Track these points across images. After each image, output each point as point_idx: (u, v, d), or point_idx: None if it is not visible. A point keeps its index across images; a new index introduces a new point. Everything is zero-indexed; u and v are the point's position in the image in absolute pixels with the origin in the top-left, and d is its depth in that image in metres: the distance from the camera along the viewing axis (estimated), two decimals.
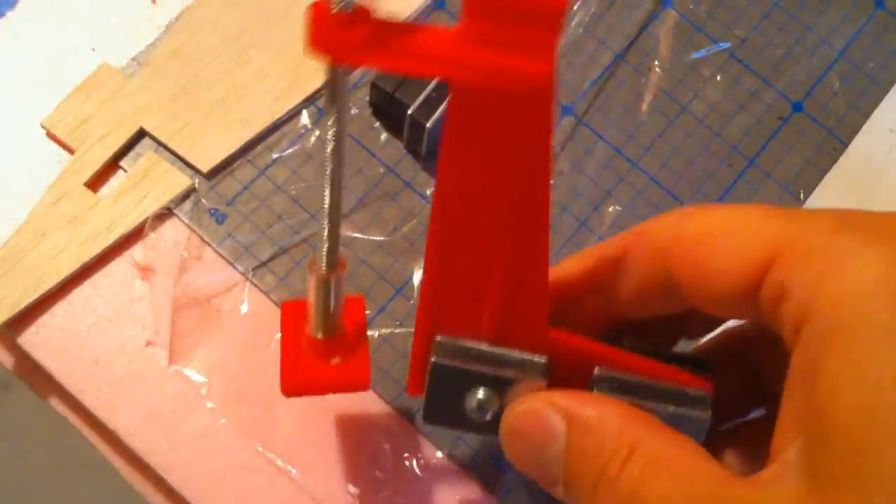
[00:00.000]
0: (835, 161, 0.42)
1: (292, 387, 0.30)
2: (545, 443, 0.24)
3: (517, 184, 0.24)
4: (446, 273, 0.25)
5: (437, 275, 0.26)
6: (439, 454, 0.36)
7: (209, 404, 0.35)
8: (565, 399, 0.24)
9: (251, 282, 0.37)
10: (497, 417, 0.26)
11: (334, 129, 0.26)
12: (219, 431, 0.35)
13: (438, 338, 0.26)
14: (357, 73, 0.41)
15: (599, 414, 0.24)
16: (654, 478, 0.22)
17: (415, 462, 0.35)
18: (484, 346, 0.26)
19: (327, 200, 0.27)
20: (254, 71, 0.40)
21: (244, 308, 0.37)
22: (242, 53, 0.40)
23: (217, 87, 0.40)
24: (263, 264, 0.37)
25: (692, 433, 0.24)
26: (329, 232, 0.27)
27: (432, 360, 0.26)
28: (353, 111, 0.40)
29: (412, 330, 0.36)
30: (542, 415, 0.24)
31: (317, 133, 0.39)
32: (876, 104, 0.43)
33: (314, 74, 0.40)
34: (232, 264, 0.37)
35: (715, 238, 0.24)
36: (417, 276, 0.38)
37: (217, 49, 0.40)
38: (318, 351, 0.30)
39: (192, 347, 0.36)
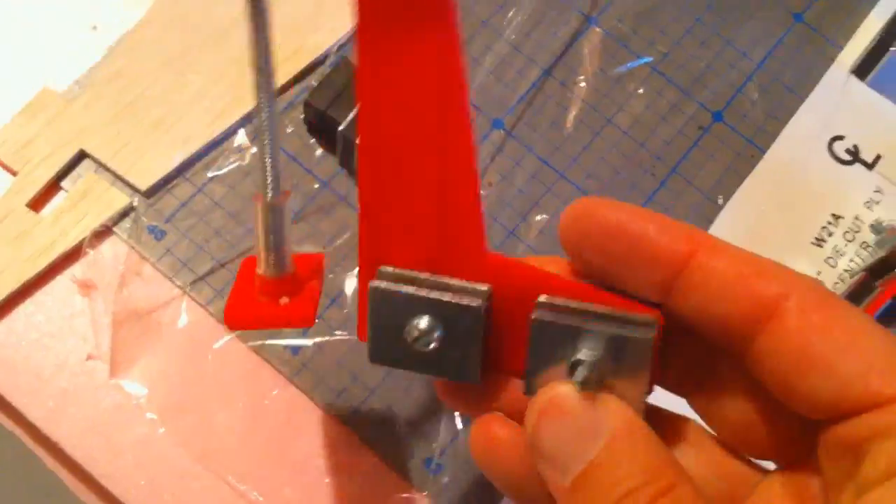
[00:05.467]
0: (753, 168, 0.44)
1: (235, 319, 0.30)
2: (581, 436, 0.23)
3: (434, 97, 0.25)
4: (380, 204, 0.26)
5: (372, 206, 0.26)
6: (375, 458, 0.37)
7: (149, 415, 0.37)
8: (618, 405, 0.23)
9: (189, 295, 0.38)
10: (441, 349, 0.25)
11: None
12: (158, 441, 0.36)
13: (381, 268, 0.26)
14: (292, 91, 0.42)
15: (650, 436, 0.23)
16: None
17: (351, 466, 0.37)
18: (424, 275, 0.25)
19: (264, 116, 0.29)
20: (192, 92, 0.42)
21: (183, 321, 0.38)
22: (181, 75, 0.42)
23: (156, 108, 0.41)
24: (201, 278, 0.39)
25: (637, 355, 0.24)
26: (271, 158, 0.29)
27: (370, 283, 0.25)
28: (289, 129, 0.42)
29: (347, 336, 0.38)
30: (592, 412, 0.23)
31: (253, 150, 0.41)
32: (793, 113, 0.45)
33: (248, 97, 0.42)
34: (170, 279, 0.38)
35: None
36: (350, 286, 0.39)
37: (157, 72, 0.42)
38: (266, 290, 0.30)
39: (132, 360, 0.37)
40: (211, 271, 0.39)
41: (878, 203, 0.44)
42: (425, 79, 0.25)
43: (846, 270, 0.42)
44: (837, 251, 0.43)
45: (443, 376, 0.26)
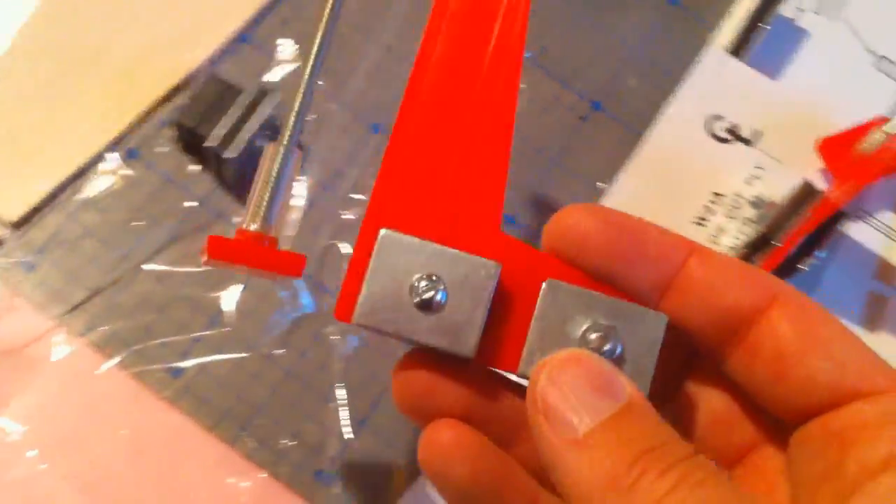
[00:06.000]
0: (633, 152, 0.44)
1: (217, 249, 0.27)
2: (599, 392, 0.22)
3: (488, 69, 0.25)
4: (407, 160, 0.25)
5: (396, 161, 0.25)
6: (264, 474, 0.36)
7: (30, 452, 0.36)
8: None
9: (65, 326, 0.38)
10: (442, 311, 0.23)
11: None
12: (42, 477, 0.36)
13: (385, 229, 0.24)
14: (165, 110, 0.42)
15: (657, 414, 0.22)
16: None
17: (238, 483, 0.36)
18: (434, 243, 0.24)
19: (305, 77, 0.29)
20: (60, 120, 0.41)
21: (59, 353, 0.37)
22: (49, 104, 0.41)
23: (25, 138, 0.40)
24: (76, 308, 0.38)
25: (647, 340, 0.23)
26: (299, 110, 0.29)
27: (381, 230, 0.24)
28: (165, 149, 0.41)
29: (229, 356, 0.37)
30: (612, 373, 0.22)
31: (123, 172, 0.40)
32: (671, 96, 0.46)
33: (120, 119, 0.41)
34: (44, 311, 0.38)
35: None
36: (229, 303, 0.39)
37: (24, 101, 0.41)
38: (249, 237, 0.28)
39: (7, 397, 0.36)
40: (86, 300, 0.38)
41: (758, 178, 0.44)
42: (487, 35, 0.25)
43: (730, 248, 0.43)
44: (720, 229, 0.43)
45: (436, 343, 0.23)
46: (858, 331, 0.42)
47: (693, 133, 0.45)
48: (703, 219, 0.43)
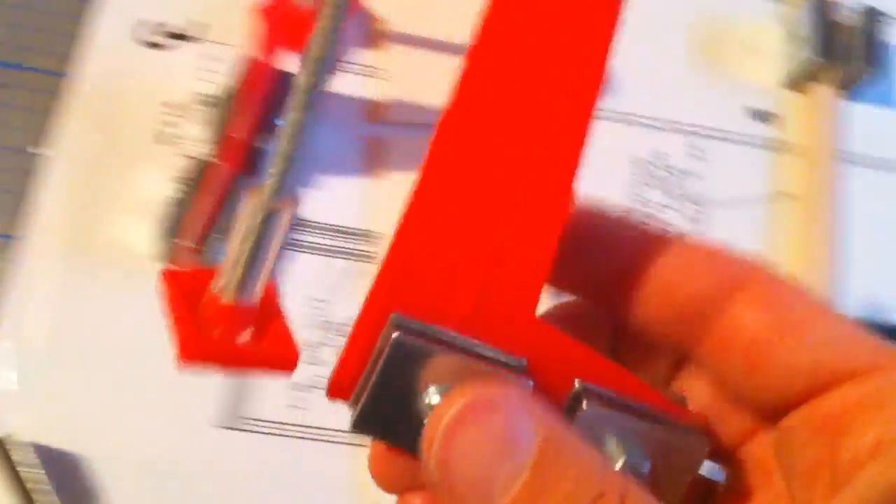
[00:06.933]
0: (66, 97, 0.40)
1: (192, 350, 0.21)
2: (504, 451, 0.18)
3: (562, 87, 0.21)
4: (427, 234, 0.21)
5: (414, 235, 0.21)
6: None
7: None
8: (543, 409, 0.19)
9: None
10: None
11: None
12: None
13: (394, 315, 0.20)
14: None
15: (585, 446, 0.19)
16: None
17: None
18: (453, 334, 0.21)
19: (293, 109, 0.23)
20: None
21: None
22: None
23: None
24: None
25: (689, 460, 0.21)
26: (285, 150, 0.22)
27: (394, 335, 0.20)
28: None
29: None
30: (513, 412, 0.19)
31: None
32: (84, 24, 0.42)
33: None
34: None
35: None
36: None
37: None
38: (225, 319, 0.23)
39: None
40: None
41: (214, 73, 0.42)
42: (558, 61, 0.21)
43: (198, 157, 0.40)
44: (178, 138, 0.40)
45: None
46: (365, 181, 0.41)
47: (128, 50, 0.42)
48: (166, 134, 0.40)
